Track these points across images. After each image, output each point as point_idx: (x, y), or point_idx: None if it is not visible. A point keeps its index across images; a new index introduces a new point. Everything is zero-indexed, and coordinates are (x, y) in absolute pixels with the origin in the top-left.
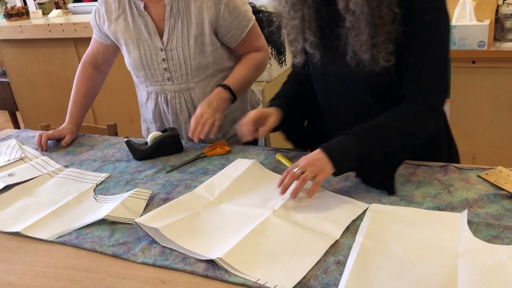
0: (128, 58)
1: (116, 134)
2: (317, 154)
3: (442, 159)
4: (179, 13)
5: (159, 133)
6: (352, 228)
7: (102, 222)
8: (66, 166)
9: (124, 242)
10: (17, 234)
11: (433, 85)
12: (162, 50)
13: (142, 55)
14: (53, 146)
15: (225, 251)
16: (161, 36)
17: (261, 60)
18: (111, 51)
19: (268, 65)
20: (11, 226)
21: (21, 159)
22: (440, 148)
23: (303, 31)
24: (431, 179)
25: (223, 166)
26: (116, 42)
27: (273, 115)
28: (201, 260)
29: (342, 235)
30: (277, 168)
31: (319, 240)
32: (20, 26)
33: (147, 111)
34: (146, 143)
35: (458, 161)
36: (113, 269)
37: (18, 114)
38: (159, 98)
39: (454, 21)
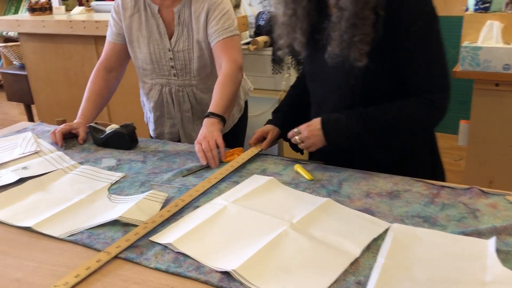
0: (139, 53)
1: None
2: (317, 129)
3: (424, 174)
4: (185, 21)
5: (116, 126)
6: (373, 248)
7: (115, 223)
8: (81, 163)
9: (137, 245)
10: (28, 229)
11: (435, 85)
12: (170, 50)
13: (151, 52)
14: (69, 143)
15: (240, 263)
16: (170, 37)
17: (233, 74)
18: (125, 52)
19: (287, 75)
20: (22, 221)
21: (36, 152)
22: (421, 163)
23: (294, 29)
24: (456, 201)
25: (239, 173)
26: (127, 38)
27: (271, 132)
28: (216, 270)
29: (362, 255)
30: (295, 180)
31: (338, 257)
32: (43, 21)
33: (148, 101)
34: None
35: (443, 179)
36: (125, 272)
37: (33, 107)
38: (164, 89)
39: (479, 43)
